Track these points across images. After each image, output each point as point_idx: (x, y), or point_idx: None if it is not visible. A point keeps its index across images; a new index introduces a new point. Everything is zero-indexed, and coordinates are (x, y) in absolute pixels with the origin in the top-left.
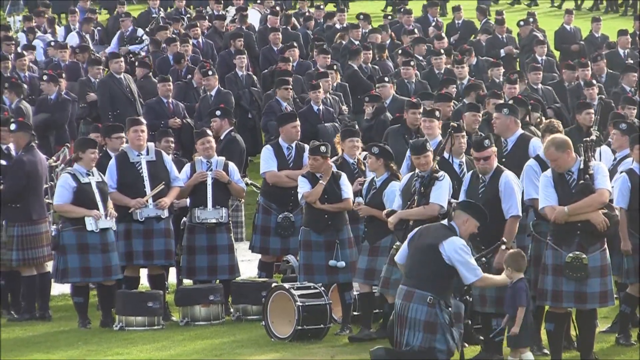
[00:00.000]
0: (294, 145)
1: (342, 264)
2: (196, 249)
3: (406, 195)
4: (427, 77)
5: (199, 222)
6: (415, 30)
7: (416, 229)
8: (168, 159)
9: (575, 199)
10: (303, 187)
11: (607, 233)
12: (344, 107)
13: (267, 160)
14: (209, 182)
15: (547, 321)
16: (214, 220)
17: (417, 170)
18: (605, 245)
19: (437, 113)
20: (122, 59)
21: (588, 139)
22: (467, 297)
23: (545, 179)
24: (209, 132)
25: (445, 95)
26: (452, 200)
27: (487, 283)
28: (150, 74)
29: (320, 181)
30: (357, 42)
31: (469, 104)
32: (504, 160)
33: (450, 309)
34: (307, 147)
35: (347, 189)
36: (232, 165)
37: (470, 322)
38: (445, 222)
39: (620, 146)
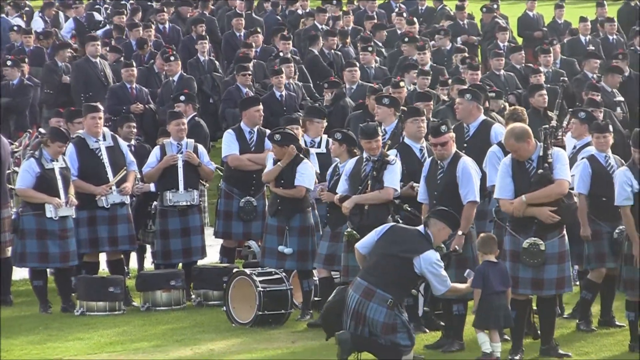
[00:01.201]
0: (255, 129)
1: (290, 250)
2: (170, 233)
3: (354, 180)
4: (402, 62)
5: (171, 205)
6: (375, 16)
7: (389, 226)
8: (123, 143)
9: (534, 189)
10: (268, 165)
11: (566, 221)
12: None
13: (229, 144)
14: (180, 164)
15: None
16: (185, 203)
17: (364, 154)
18: (564, 232)
19: (385, 100)
20: (99, 42)
21: (548, 125)
22: (415, 290)
23: (504, 167)
24: (182, 114)
25: (396, 82)
26: (415, 184)
27: (454, 292)
28: (122, 58)
29: (279, 163)
30: (322, 27)
31: (418, 93)
32: (465, 145)
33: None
34: (268, 132)
35: (302, 176)
36: (201, 148)
37: (429, 309)
38: (421, 229)
39: (580, 135)
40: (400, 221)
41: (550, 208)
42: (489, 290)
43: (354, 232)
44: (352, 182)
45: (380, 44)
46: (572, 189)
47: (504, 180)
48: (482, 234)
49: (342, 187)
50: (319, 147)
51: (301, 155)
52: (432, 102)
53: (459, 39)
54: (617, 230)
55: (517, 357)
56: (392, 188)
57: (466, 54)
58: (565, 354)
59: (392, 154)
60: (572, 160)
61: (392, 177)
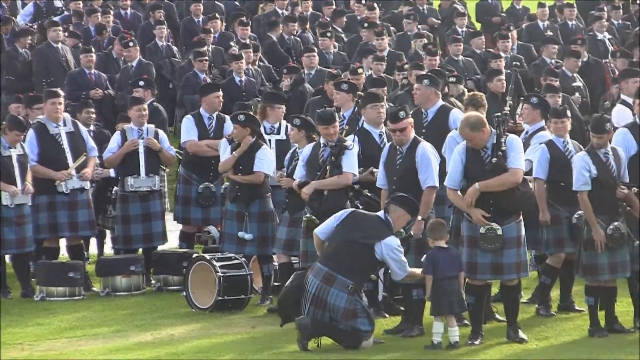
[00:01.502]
0: (215, 115)
1: (250, 236)
2: (131, 218)
3: (312, 166)
4: (362, 48)
5: (132, 191)
6: (334, 2)
7: (349, 212)
8: (84, 129)
9: (488, 177)
10: (223, 153)
11: (522, 208)
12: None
13: (187, 130)
14: (141, 150)
15: (467, 293)
16: (147, 188)
17: (322, 140)
18: (521, 218)
19: (344, 85)
20: (60, 27)
21: (500, 113)
22: (374, 275)
23: (457, 156)
24: (144, 99)
25: (354, 68)
26: (375, 170)
27: (412, 277)
28: (81, 44)
29: (234, 152)
30: (282, 12)
31: (373, 79)
32: (424, 131)
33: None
34: (228, 117)
35: (260, 162)
36: (161, 133)
37: (388, 294)
38: (381, 214)
39: (533, 120)
40: (360, 207)
41: (483, 213)
42: (440, 276)
43: (313, 217)
44: (309, 167)
45: (339, 30)
46: (527, 173)
47: (454, 168)
48: (431, 220)
49: (299, 173)
50: (278, 133)
51: (260, 141)
52: (386, 88)
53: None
54: (575, 215)
55: (476, 342)
56: (351, 173)
57: (426, 40)
58: (523, 337)
59: (350, 139)
60: (525, 146)
61: (351, 162)
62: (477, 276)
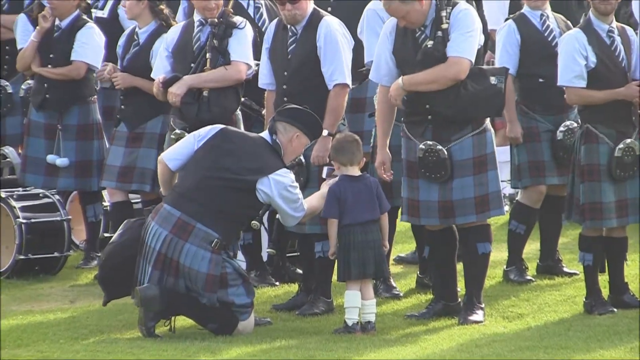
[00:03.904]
0: None
1: (64, 161)
2: None
3: (184, 55)
4: None
5: None
6: None
7: (217, 130)
8: None
9: (419, 70)
10: (21, 38)
11: (474, 116)
12: None
13: None
14: None
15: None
16: None
17: (197, 17)
18: (484, 126)
19: None
20: None
21: None
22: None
23: (383, 38)
24: None
25: None
26: (255, 62)
27: (312, 213)
28: None
29: (32, 37)
30: None
31: None
32: (331, 0)
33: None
34: None
35: (82, 47)
36: None
37: (277, 252)
38: (266, 136)
39: None
40: None
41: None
42: (349, 220)
43: (187, 133)
44: (179, 58)
45: None
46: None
47: (379, 58)
48: (338, 134)
49: (163, 66)
50: (102, 8)
51: (85, 17)
52: None
53: None
54: (562, 128)
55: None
56: (244, 63)
57: None
58: (477, 320)
59: (238, 16)
60: None
61: (243, 48)
62: (421, 221)
